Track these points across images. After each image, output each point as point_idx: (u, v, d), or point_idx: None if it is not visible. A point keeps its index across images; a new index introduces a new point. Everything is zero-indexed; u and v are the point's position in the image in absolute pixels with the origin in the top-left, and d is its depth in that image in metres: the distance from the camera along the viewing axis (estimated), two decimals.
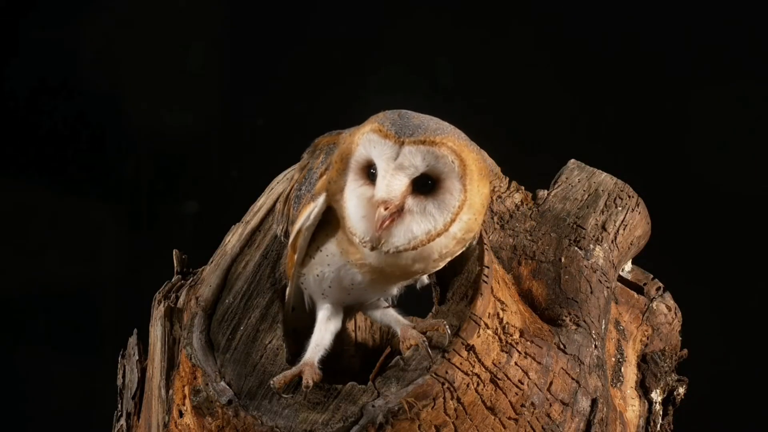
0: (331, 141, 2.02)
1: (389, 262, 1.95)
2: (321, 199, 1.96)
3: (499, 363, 2.05)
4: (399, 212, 1.90)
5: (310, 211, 1.97)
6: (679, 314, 2.49)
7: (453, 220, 1.92)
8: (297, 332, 2.12)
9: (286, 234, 2.07)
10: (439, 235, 1.92)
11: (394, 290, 2.11)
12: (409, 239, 1.92)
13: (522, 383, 2.06)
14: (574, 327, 2.19)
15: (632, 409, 2.37)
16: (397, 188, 1.88)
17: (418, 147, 1.88)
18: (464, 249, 2.01)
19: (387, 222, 1.90)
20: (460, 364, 2.00)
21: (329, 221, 1.98)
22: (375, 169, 1.91)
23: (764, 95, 3.60)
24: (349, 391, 1.99)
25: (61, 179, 3.69)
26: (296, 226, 1.99)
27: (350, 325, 2.41)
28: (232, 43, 3.74)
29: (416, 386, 1.96)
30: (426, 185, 1.90)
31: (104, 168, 3.71)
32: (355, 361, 2.39)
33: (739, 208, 3.55)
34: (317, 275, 2.04)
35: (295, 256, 2.02)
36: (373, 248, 1.93)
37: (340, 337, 2.19)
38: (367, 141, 1.91)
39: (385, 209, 1.88)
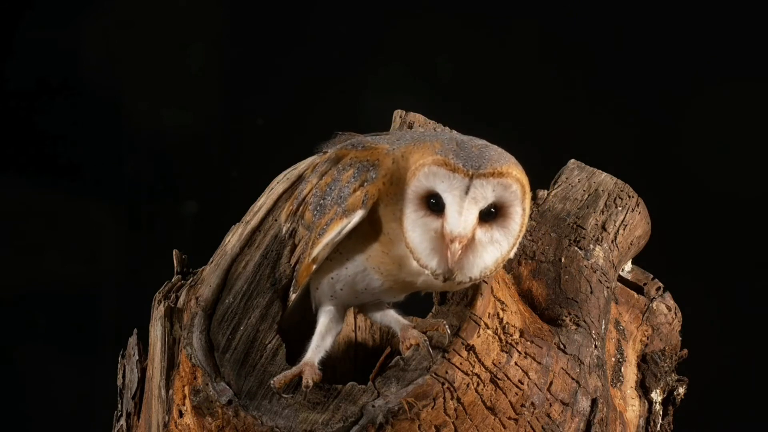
0: (362, 157, 2.00)
1: (455, 287, 1.99)
2: (356, 217, 1.95)
3: (499, 363, 2.05)
4: (469, 243, 1.91)
5: (342, 227, 1.97)
6: (679, 314, 2.49)
7: (515, 244, 1.95)
8: (290, 336, 2.11)
9: (293, 234, 2.07)
10: (504, 260, 1.95)
11: (402, 296, 2.11)
12: (481, 269, 1.94)
13: (522, 383, 2.06)
14: (574, 327, 2.19)
15: (632, 409, 2.37)
16: (471, 223, 1.89)
17: (488, 180, 1.88)
18: None
19: (459, 255, 1.91)
20: (460, 364, 2.00)
21: (356, 228, 1.98)
22: (436, 198, 1.91)
23: (764, 95, 3.60)
24: (349, 391, 1.99)
25: (61, 179, 3.69)
26: (324, 240, 1.98)
27: (350, 326, 2.41)
28: (232, 43, 3.74)
29: (416, 386, 1.96)
30: (490, 213, 1.92)
31: (104, 168, 3.71)
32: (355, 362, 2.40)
33: (739, 209, 3.55)
34: (332, 278, 2.04)
35: (314, 267, 2.01)
36: (445, 280, 1.94)
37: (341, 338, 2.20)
38: (430, 174, 1.90)
39: (459, 243, 1.89)
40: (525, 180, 1.92)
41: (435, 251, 1.93)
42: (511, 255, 1.96)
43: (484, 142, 1.95)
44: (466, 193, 1.89)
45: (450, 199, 1.89)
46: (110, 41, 3.71)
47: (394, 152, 1.97)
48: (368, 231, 1.97)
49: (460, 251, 1.90)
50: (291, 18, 3.71)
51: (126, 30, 3.72)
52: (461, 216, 1.89)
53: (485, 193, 1.89)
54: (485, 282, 2.06)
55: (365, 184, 1.96)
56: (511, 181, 1.89)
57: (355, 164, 2.00)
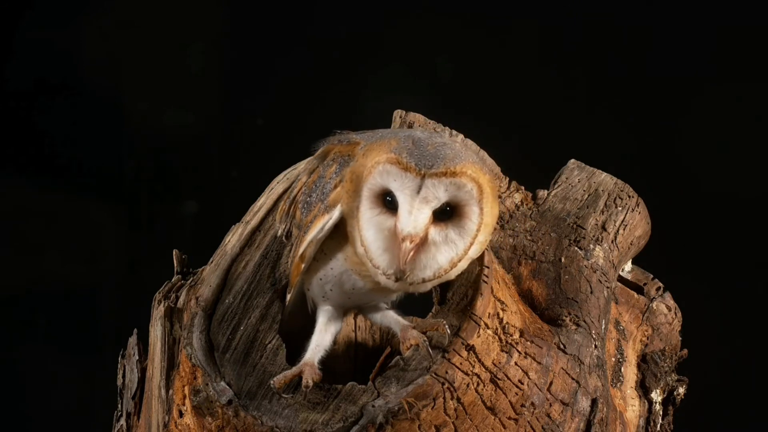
0: (345, 151, 1.99)
1: (408, 287, 1.97)
2: (336, 213, 1.95)
3: (499, 363, 2.05)
4: (422, 243, 1.90)
5: (323, 224, 1.96)
6: (679, 314, 2.49)
7: (472, 244, 1.92)
8: (291, 336, 2.11)
9: (288, 235, 2.07)
10: (460, 260, 1.93)
11: (394, 296, 2.11)
12: (434, 270, 1.93)
13: (522, 383, 2.06)
14: (574, 327, 2.19)
15: (632, 409, 2.37)
16: (422, 222, 1.88)
17: (440, 179, 1.87)
18: None
19: (412, 254, 1.89)
20: (460, 364, 2.00)
21: (337, 227, 1.97)
22: (391, 197, 1.90)
23: (764, 95, 3.60)
24: (349, 391, 1.99)
25: (61, 179, 3.69)
26: (308, 237, 1.98)
27: (350, 326, 2.41)
28: (232, 43, 3.74)
29: (416, 386, 1.96)
30: (445, 212, 1.90)
31: (104, 168, 3.71)
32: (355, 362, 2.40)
33: (739, 209, 3.55)
34: (320, 278, 2.04)
35: (303, 266, 2.01)
36: (397, 280, 1.93)
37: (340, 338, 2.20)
38: (384, 172, 1.89)
39: (411, 243, 1.88)
40: (483, 179, 1.89)
41: (387, 251, 1.92)
42: (472, 255, 1.94)
43: (444, 140, 1.93)
44: (418, 192, 1.87)
45: (402, 198, 1.88)
46: (110, 41, 3.71)
47: (362, 149, 1.96)
48: (346, 231, 1.97)
49: (412, 251, 1.88)
50: (291, 18, 3.71)
51: (126, 30, 3.72)
52: (411, 215, 1.87)
53: (437, 193, 1.87)
54: (485, 282, 2.06)
55: (344, 179, 1.96)
56: (465, 180, 1.87)
57: (337, 159, 2.00)
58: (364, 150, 1.95)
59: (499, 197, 2.36)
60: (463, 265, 1.95)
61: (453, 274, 1.96)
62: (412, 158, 1.87)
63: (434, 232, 1.90)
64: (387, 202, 1.91)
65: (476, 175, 1.88)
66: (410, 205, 1.88)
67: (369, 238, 1.92)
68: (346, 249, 1.98)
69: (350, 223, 1.94)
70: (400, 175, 1.88)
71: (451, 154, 1.88)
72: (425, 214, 1.88)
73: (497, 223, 2.28)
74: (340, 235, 1.98)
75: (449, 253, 1.92)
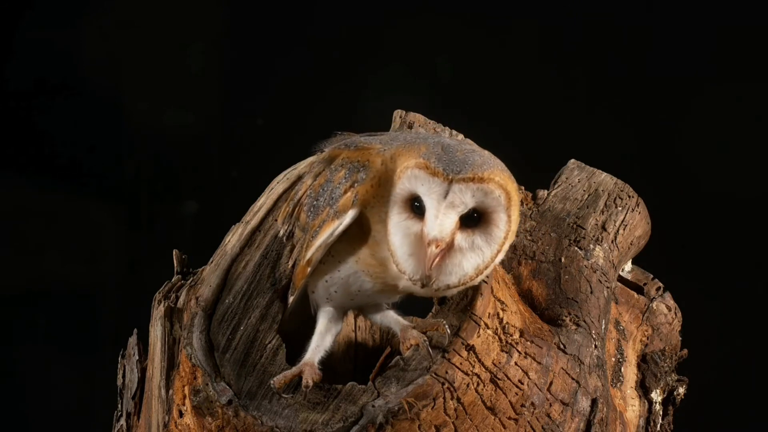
0: (353, 157, 1.99)
1: (434, 293, 1.97)
2: (347, 218, 1.95)
3: (499, 363, 2.05)
4: (448, 248, 1.90)
5: (333, 229, 1.96)
6: (679, 314, 2.49)
7: (499, 251, 1.93)
8: (291, 336, 2.11)
9: (290, 235, 2.07)
10: (486, 267, 1.93)
11: (396, 297, 2.11)
12: (459, 277, 1.93)
13: (522, 383, 2.06)
14: (574, 327, 2.19)
15: (632, 409, 2.37)
16: (449, 227, 1.88)
17: (468, 185, 1.87)
18: None
19: (438, 260, 1.90)
20: (460, 364, 2.00)
21: (346, 230, 1.97)
22: (419, 202, 1.90)
23: (764, 95, 3.60)
24: (349, 391, 1.99)
25: (61, 179, 3.69)
26: (317, 242, 1.98)
27: (350, 326, 2.41)
28: (232, 43, 3.74)
29: (416, 386, 1.96)
30: (472, 219, 1.90)
31: (104, 168, 3.71)
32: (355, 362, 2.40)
33: (739, 209, 3.55)
34: (326, 280, 2.04)
35: (309, 269, 2.01)
36: (423, 286, 1.93)
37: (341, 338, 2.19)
38: (412, 177, 1.89)
39: (436, 247, 1.88)
40: (511, 187, 1.90)
41: (413, 256, 1.92)
42: (497, 262, 1.94)
43: (473, 147, 1.94)
44: (445, 197, 1.87)
45: (429, 203, 1.89)
46: (110, 41, 3.71)
47: (384, 154, 1.96)
48: (358, 233, 1.97)
49: (438, 256, 1.89)
50: (291, 18, 3.71)
51: (126, 30, 3.72)
52: (437, 219, 1.88)
53: (464, 198, 1.88)
54: (485, 282, 2.06)
55: (355, 184, 1.96)
56: (493, 187, 1.88)
57: (346, 164, 1.99)
58: (390, 154, 1.95)
59: None
60: (488, 272, 1.95)
61: (478, 280, 1.97)
62: (440, 163, 1.88)
63: (461, 238, 1.90)
64: (415, 207, 1.91)
65: (504, 182, 1.89)
66: (437, 209, 1.88)
67: (396, 242, 1.92)
68: (357, 252, 1.98)
69: (376, 228, 1.94)
70: (427, 180, 1.88)
71: (479, 161, 1.89)
72: (451, 219, 1.88)
73: None
74: (348, 237, 1.97)
75: (475, 260, 1.92)
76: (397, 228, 1.92)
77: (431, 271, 1.90)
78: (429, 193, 1.88)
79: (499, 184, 1.88)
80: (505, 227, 1.91)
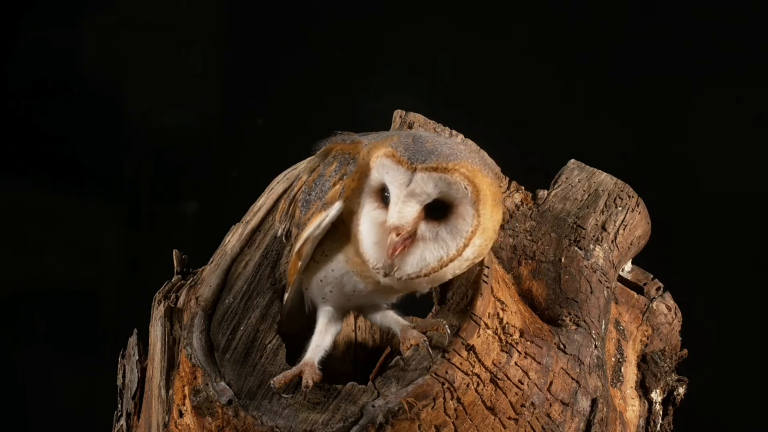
0: (346, 150, 2.00)
1: (400, 285, 1.97)
2: (333, 210, 1.95)
3: (499, 363, 2.05)
4: (412, 238, 1.90)
5: (320, 221, 1.97)
6: (679, 314, 2.49)
7: (466, 246, 1.92)
8: (290, 336, 2.11)
9: (288, 234, 2.07)
10: (451, 260, 1.92)
11: (394, 298, 2.11)
12: (421, 267, 1.92)
13: (522, 383, 2.06)
14: (574, 327, 2.19)
15: (632, 409, 2.37)
16: (409, 215, 1.88)
17: (430, 174, 1.87)
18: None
19: (399, 249, 1.90)
20: (460, 364, 2.00)
21: (337, 228, 1.98)
22: (389, 192, 1.91)
23: (764, 95, 3.60)
24: (349, 391, 1.99)
25: (61, 179, 3.69)
26: (304, 234, 1.98)
27: (350, 326, 2.41)
28: (232, 43, 3.74)
29: (416, 386, 1.96)
30: (439, 210, 1.90)
31: (104, 168, 3.71)
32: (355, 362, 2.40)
33: (739, 208, 3.55)
34: (320, 279, 2.04)
35: (300, 263, 2.01)
36: (385, 275, 1.93)
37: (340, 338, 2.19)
38: (380, 165, 1.90)
39: (397, 235, 1.88)
40: (482, 181, 1.89)
41: (378, 244, 1.92)
42: (469, 257, 1.93)
43: (447, 141, 1.94)
44: (407, 185, 1.88)
45: (393, 191, 1.89)
46: (110, 41, 3.72)
47: (367, 147, 1.97)
48: (348, 232, 1.97)
49: (399, 244, 1.89)
50: (291, 18, 3.71)
51: (126, 30, 3.72)
52: (397, 206, 1.88)
53: (426, 188, 1.88)
54: (485, 282, 2.06)
55: (344, 177, 1.96)
56: (458, 178, 1.87)
57: (338, 157, 2.00)
58: (368, 148, 1.95)
59: None
60: (457, 266, 1.94)
61: (447, 274, 1.96)
62: (406, 152, 1.88)
63: (425, 229, 1.91)
64: (385, 197, 1.92)
65: (471, 175, 1.88)
66: (398, 197, 1.89)
67: (364, 231, 1.93)
68: (347, 250, 1.98)
69: (353, 219, 1.95)
70: (393, 168, 1.89)
71: (447, 152, 1.89)
72: (412, 207, 1.88)
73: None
74: (341, 236, 1.98)
75: (438, 252, 1.92)
76: (367, 217, 1.93)
77: (392, 259, 1.90)
78: (393, 181, 1.89)
79: (465, 176, 1.88)
80: (473, 221, 1.90)
